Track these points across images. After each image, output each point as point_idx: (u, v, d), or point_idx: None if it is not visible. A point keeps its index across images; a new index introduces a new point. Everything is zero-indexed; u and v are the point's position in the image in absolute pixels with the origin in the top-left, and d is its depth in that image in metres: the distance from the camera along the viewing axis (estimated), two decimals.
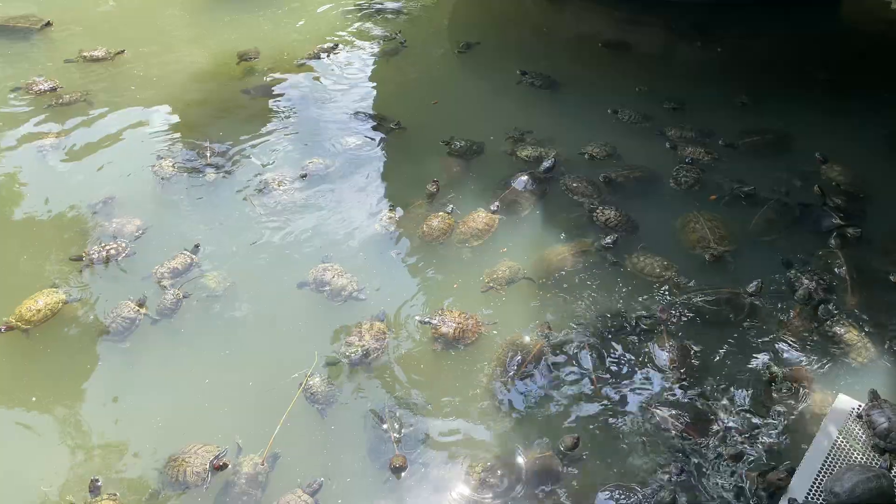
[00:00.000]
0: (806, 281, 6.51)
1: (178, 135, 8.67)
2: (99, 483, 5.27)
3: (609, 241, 6.96)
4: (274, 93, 9.52)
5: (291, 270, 6.84)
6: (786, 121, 8.69)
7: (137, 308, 6.41)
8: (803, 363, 5.97)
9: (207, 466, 5.23)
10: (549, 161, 7.97)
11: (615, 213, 7.28)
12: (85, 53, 10.07)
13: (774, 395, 5.71)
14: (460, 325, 6.21)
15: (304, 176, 7.96)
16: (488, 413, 5.78)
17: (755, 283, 6.47)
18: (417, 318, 6.37)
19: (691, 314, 6.39)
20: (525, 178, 7.81)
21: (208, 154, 8.21)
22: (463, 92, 9.74)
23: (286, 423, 5.63)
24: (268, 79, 9.77)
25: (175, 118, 9.03)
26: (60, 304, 6.40)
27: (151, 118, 9.00)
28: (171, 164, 8.08)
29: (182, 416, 5.77)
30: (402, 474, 5.30)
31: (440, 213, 7.37)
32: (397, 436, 5.48)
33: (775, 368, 5.79)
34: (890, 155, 8.29)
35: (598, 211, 7.36)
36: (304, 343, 6.25)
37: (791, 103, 9.08)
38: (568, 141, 8.48)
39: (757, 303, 6.44)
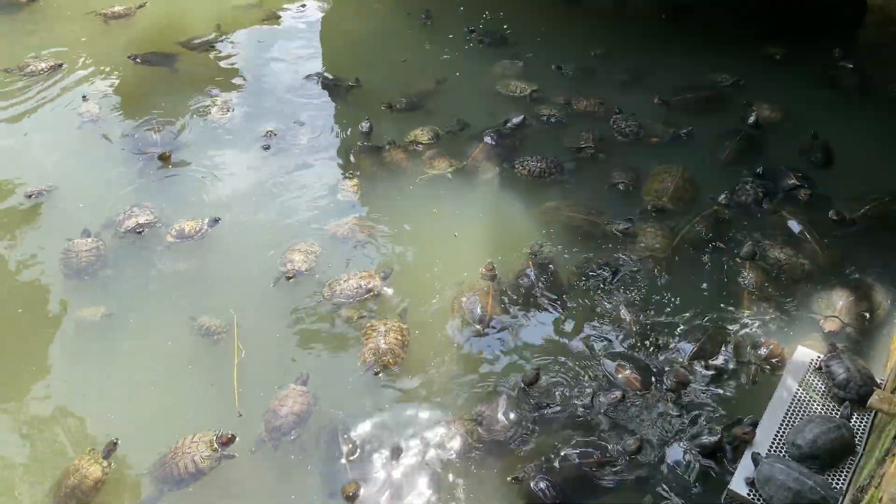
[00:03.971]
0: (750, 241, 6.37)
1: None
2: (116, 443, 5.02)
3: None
4: (222, 53, 8.89)
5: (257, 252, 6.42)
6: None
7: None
8: (764, 327, 5.79)
9: (216, 446, 4.92)
10: (518, 117, 7.60)
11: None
12: (104, 11, 9.26)
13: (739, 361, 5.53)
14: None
15: (267, 147, 7.42)
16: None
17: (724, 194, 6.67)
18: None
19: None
20: (493, 134, 7.48)
21: (156, 131, 7.56)
22: (416, 52, 9.14)
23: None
24: (213, 36, 9.09)
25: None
26: None
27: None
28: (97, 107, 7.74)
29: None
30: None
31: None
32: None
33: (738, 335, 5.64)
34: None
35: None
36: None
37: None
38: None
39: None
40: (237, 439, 5.02)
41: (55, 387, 5.47)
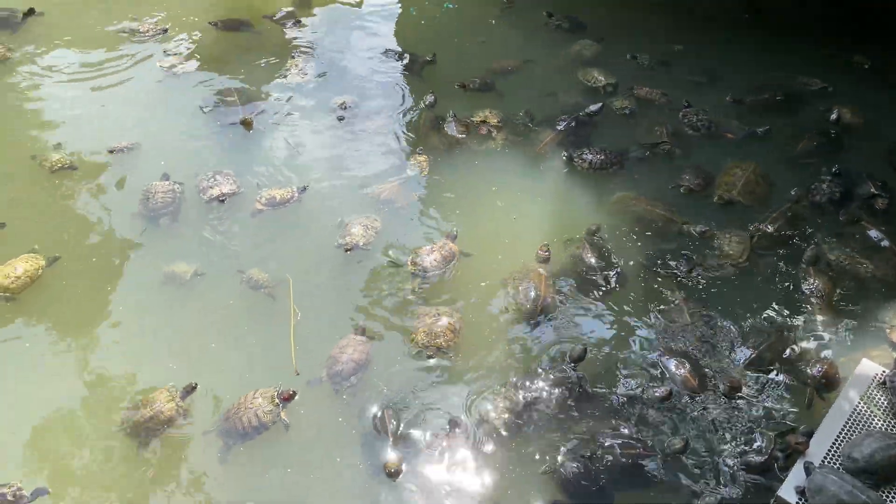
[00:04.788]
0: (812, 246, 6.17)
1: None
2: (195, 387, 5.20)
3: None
4: (301, 24, 8.93)
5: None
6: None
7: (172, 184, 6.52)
8: (830, 336, 5.59)
9: (277, 401, 5.04)
10: (596, 105, 7.49)
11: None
12: None
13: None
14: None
15: (341, 118, 7.46)
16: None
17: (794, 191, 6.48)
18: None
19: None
20: (567, 120, 7.37)
21: (237, 98, 7.64)
22: (494, 33, 9.04)
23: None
24: (294, 10, 9.14)
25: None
26: (41, 269, 5.91)
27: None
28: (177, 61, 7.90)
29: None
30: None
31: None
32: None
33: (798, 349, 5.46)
34: None
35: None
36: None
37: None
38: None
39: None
40: (297, 396, 5.14)
41: (121, 336, 5.63)
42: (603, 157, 6.94)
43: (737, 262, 6.06)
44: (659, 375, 5.32)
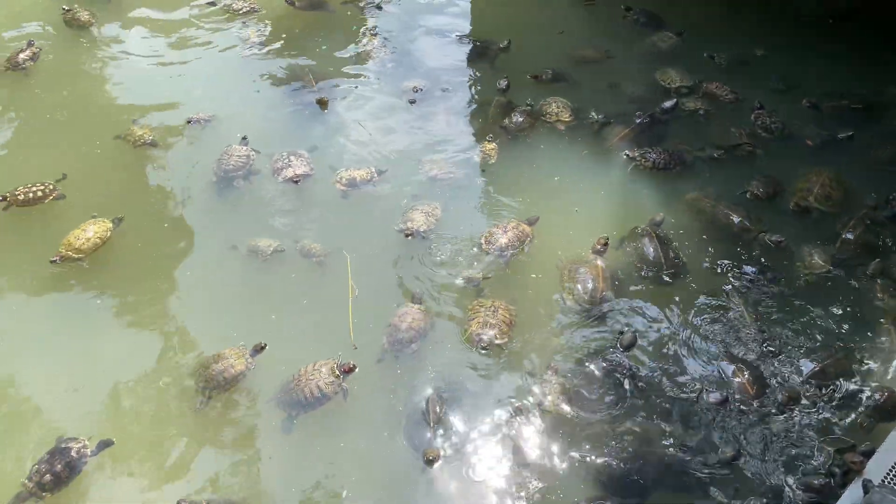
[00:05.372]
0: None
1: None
2: (265, 347, 5.36)
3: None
4: (380, 7, 8.96)
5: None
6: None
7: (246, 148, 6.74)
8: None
9: (338, 373, 5.14)
10: (670, 102, 7.31)
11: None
12: None
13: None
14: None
15: (413, 102, 7.49)
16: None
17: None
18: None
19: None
20: (641, 116, 7.24)
21: (311, 78, 7.73)
22: (572, 24, 8.84)
23: None
24: None
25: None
26: (109, 232, 6.10)
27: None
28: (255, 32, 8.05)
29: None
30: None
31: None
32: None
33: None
34: None
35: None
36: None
37: None
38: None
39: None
40: (357, 369, 5.21)
41: (186, 300, 5.82)
42: (666, 157, 6.79)
43: (817, 273, 5.87)
44: (715, 380, 5.21)
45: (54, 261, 5.82)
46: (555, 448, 4.92)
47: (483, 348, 5.35)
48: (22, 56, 7.66)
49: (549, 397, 5.09)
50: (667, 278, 5.82)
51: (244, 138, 6.90)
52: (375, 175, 6.62)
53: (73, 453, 4.80)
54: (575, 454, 4.89)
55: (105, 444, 4.90)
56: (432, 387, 5.20)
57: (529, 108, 7.32)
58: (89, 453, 4.84)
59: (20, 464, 4.82)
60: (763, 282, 5.82)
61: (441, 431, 4.99)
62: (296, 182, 6.49)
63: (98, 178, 6.69)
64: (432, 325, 5.59)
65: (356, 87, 7.73)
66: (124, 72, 7.84)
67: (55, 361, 5.41)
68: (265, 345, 5.37)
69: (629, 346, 5.27)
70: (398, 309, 5.56)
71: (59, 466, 4.71)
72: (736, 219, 6.22)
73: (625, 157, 6.84)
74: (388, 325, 5.47)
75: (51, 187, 6.37)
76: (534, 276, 5.93)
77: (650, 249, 5.92)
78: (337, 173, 6.63)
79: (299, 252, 5.97)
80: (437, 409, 5.01)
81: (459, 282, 5.85)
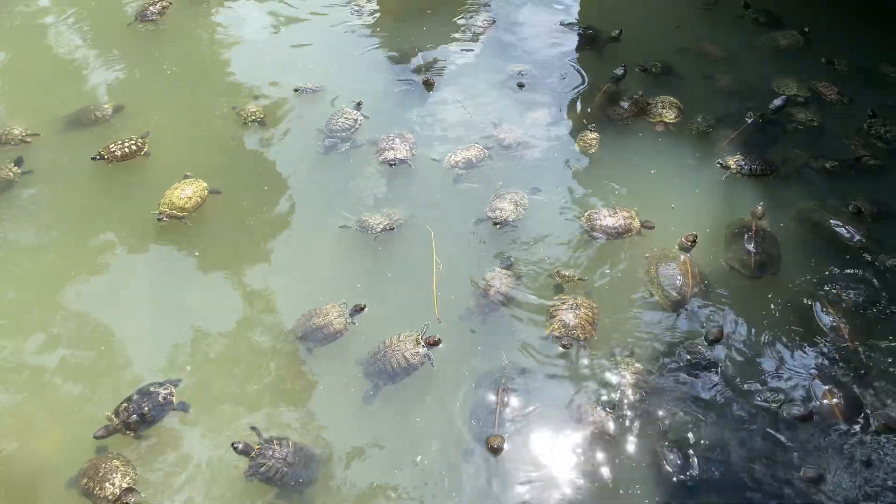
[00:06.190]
0: None
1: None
2: (364, 308, 5.48)
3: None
4: None
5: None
6: None
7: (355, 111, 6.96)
8: None
9: (423, 344, 5.21)
10: (780, 100, 7.02)
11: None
12: None
13: None
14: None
15: (521, 86, 7.46)
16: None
17: None
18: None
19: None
20: (753, 117, 7.00)
21: (419, 58, 7.79)
22: (689, 18, 8.61)
23: None
24: None
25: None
26: (206, 192, 6.27)
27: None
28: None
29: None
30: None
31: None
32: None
33: None
34: None
35: None
36: None
37: None
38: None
39: None
40: (442, 343, 5.26)
41: (280, 263, 6.00)
42: (760, 165, 6.52)
43: None
44: (800, 394, 5.03)
45: (161, 219, 6.01)
46: (625, 445, 4.85)
47: (564, 346, 5.28)
48: (151, 9, 8.10)
49: (625, 391, 5.03)
50: (759, 273, 5.63)
51: (359, 104, 7.08)
52: (487, 155, 6.64)
53: (160, 399, 4.98)
54: (645, 454, 4.80)
55: (182, 407, 5.07)
56: (503, 373, 5.17)
57: (637, 98, 7.17)
58: (174, 403, 5.03)
59: (115, 399, 5.05)
60: (868, 302, 5.53)
61: (508, 420, 4.96)
62: (392, 164, 6.53)
63: (201, 139, 6.96)
64: (517, 293, 5.61)
65: (462, 69, 7.74)
66: (239, 37, 8.14)
67: (155, 310, 5.66)
68: (364, 306, 5.48)
69: (714, 341, 5.14)
70: (488, 272, 5.66)
71: (146, 408, 4.91)
72: (855, 236, 5.93)
73: (718, 165, 6.59)
74: (477, 288, 5.58)
75: (141, 142, 6.62)
76: (619, 269, 5.85)
77: (749, 244, 5.73)
78: (447, 155, 6.66)
79: (385, 226, 6.02)
80: (505, 398, 5.01)
81: (541, 276, 5.81)
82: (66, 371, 5.30)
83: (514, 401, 5.03)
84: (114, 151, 6.45)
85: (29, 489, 4.76)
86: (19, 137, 6.67)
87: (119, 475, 4.64)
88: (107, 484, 4.59)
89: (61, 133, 6.85)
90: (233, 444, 4.72)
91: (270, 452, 4.69)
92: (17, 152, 6.60)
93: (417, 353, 5.12)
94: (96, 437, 4.81)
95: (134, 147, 6.54)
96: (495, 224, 6.02)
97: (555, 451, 4.84)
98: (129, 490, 4.61)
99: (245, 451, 4.71)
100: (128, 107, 7.15)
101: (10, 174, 6.38)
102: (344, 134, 6.79)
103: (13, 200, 6.32)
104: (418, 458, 4.83)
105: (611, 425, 4.90)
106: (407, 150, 6.64)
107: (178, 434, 4.99)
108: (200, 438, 4.96)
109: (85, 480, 4.64)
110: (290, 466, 4.67)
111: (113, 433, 4.87)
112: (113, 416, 4.91)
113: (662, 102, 7.12)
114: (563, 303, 5.45)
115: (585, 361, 5.27)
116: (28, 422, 5.04)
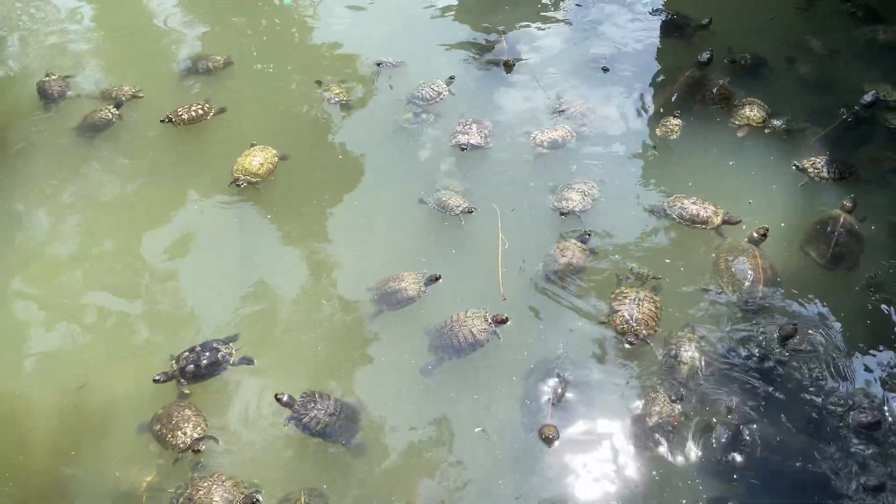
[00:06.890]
0: None
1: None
2: (439, 278, 5.52)
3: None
4: None
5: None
6: None
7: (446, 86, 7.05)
8: None
9: (489, 321, 5.23)
10: (871, 95, 6.65)
11: None
12: None
13: None
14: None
15: (606, 70, 7.35)
16: None
17: None
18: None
19: None
20: (845, 112, 6.69)
21: (501, 40, 7.75)
22: (784, 10, 8.19)
23: None
24: None
25: None
26: (276, 158, 6.42)
27: None
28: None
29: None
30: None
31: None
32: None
33: None
34: None
35: None
36: None
37: None
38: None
39: None
40: (509, 321, 5.25)
41: (343, 231, 6.15)
42: (838, 168, 6.21)
43: None
44: (873, 401, 4.83)
45: (239, 184, 6.22)
46: (681, 440, 4.76)
47: (629, 343, 5.17)
48: None
49: (688, 385, 4.93)
50: (831, 265, 5.47)
51: (451, 77, 7.16)
52: (571, 136, 6.59)
53: (220, 356, 5.15)
54: (705, 448, 4.72)
55: (247, 361, 5.24)
56: (558, 362, 5.14)
57: (723, 84, 6.96)
58: (232, 361, 5.19)
59: (177, 348, 5.26)
60: None
61: (562, 412, 4.93)
62: (463, 149, 6.52)
63: (280, 107, 7.17)
64: (589, 264, 5.61)
65: (544, 51, 7.68)
66: (328, 12, 8.31)
67: (225, 268, 5.90)
68: (439, 276, 5.51)
69: (787, 338, 4.96)
70: (559, 242, 5.67)
71: (205, 362, 5.09)
72: None
73: (794, 167, 6.32)
74: (547, 255, 5.62)
75: (207, 107, 6.89)
76: (686, 261, 5.73)
77: (830, 232, 5.57)
78: (533, 135, 6.64)
79: (465, 208, 6.01)
80: (559, 390, 4.98)
81: (606, 270, 5.72)
82: (146, 319, 5.60)
83: (569, 392, 5.00)
84: (181, 115, 6.78)
85: (105, 422, 5.05)
86: (130, 94, 7.17)
87: (191, 425, 4.86)
88: (179, 433, 4.81)
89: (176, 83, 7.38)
90: (276, 396, 4.89)
91: (312, 405, 4.84)
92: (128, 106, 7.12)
93: (484, 329, 5.14)
94: (155, 382, 5.03)
95: (201, 111, 6.84)
96: (562, 214, 5.99)
97: (607, 443, 4.81)
98: (200, 439, 4.81)
99: (288, 403, 4.88)
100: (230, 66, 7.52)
101: (110, 115, 6.93)
102: (425, 104, 6.87)
103: (114, 136, 6.92)
104: (477, 430, 4.90)
105: (663, 420, 4.78)
106: (482, 137, 6.61)
107: (246, 386, 5.19)
108: (264, 392, 5.13)
109: (158, 426, 4.86)
110: (332, 417, 4.81)
111: (171, 379, 5.08)
112: (174, 361, 5.12)
113: (749, 105, 6.78)
114: (626, 297, 5.32)
115: (647, 356, 5.17)
116: (106, 362, 5.34)
